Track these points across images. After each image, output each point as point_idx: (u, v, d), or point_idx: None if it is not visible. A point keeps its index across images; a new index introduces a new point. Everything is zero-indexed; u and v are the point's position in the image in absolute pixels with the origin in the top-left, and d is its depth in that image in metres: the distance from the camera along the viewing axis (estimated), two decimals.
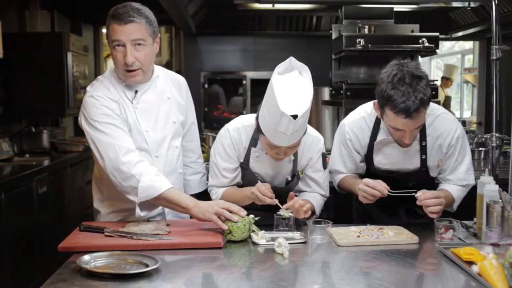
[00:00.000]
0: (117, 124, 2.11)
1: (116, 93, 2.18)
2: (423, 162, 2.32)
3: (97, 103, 2.12)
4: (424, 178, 2.37)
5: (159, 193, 2.05)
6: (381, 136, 2.32)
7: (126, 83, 2.20)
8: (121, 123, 2.12)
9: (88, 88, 2.21)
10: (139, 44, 2.10)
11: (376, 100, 2.20)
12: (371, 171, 2.42)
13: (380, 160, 2.36)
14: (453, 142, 2.31)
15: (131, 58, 2.09)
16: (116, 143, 2.07)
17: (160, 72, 2.34)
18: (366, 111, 2.39)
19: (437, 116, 2.31)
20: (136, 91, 2.22)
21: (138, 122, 2.19)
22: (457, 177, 2.37)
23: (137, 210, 2.09)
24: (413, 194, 2.17)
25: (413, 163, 2.34)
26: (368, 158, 2.39)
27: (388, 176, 2.34)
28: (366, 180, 2.21)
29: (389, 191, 2.16)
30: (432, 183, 2.44)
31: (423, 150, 2.31)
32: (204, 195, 2.59)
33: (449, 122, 2.33)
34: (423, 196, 2.14)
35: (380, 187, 2.16)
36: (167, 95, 2.31)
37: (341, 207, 2.78)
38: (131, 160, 2.06)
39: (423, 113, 2.09)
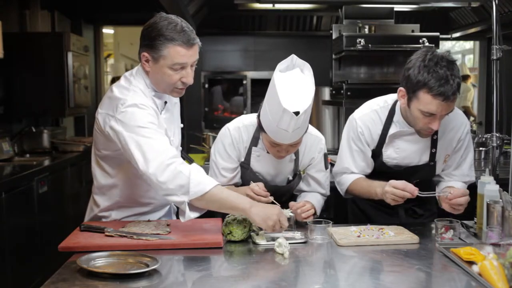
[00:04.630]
0: (161, 132, 2.04)
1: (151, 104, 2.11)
2: (432, 156, 2.32)
3: (144, 112, 2.01)
4: (429, 174, 2.37)
5: (210, 188, 1.93)
6: (393, 130, 2.30)
7: (156, 93, 2.13)
8: (163, 133, 2.06)
9: (121, 96, 2.04)
10: (194, 64, 2.08)
11: (401, 88, 2.18)
12: (376, 168, 2.40)
13: (390, 154, 2.34)
14: (463, 136, 2.33)
15: (192, 78, 2.08)
16: (163, 147, 1.98)
17: None
18: (378, 104, 2.37)
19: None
20: (166, 102, 2.18)
21: (166, 131, 2.14)
22: (461, 173, 2.38)
23: (187, 210, 1.96)
24: (441, 194, 2.17)
25: (423, 157, 2.33)
26: (376, 153, 2.36)
27: (394, 172, 2.33)
28: (394, 182, 2.15)
29: (418, 192, 2.12)
30: (431, 182, 2.44)
31: (433, 144, 2.31)
32: None
33: (459, 116, 2.34)
34: (453, 195, 2.12)
35: (410, 188, 2.11)
36: (175, 100, 2.29)
37: (341, 207, 2.78)
38: (177, 160, 1.97)
39: (456, 98, 2.09)
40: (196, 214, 2.00)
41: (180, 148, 2.37)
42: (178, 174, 1.93)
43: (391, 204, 2.17)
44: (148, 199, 2.23)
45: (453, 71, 2.05)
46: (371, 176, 2.42)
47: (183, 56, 2.02)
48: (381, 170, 2.37)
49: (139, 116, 2.00)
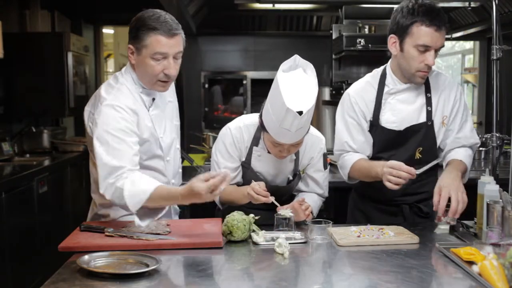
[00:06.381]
0: (128, 141, 2.03)
1: (135, 102, 2.12)
2: (429, 114, 2.34)
3: (118, 115, 2.03)
4: (429, 139, 2.36)
5: (149, 195, 1.94)
6: (387, 90, 2.35)
7: (144, 90, 2.15)
8: (132, 141, 2.05)
9: (104, 95, 2.08)
10: (178, 57, 2.09)
11: (391, 35, 2.26)
12: (377, 137, 2.37)
13: (388, 118, 2.34)
14: (458, 96, 2.38)
15: (174, 70, 2.08)
16: (117, 158, 1.99)
17: None
18: (369, 75, 2.44)
19: (437, 73, 2.40)
20: (154, 99, 2.19)
21: (154, 129, 2.16)
22: (465, 135, 2.39)
23: (136, 220, 1.98)
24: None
25: (420, 117, 2.34)
26: (374, 121, 2.36)
27: (396, 139, 2.33)
28: (391, 162, 2.15)
29: (416, 171, 2.12)
30: (434, 150, 2.41)
31: (428, 102, 2.34)
32: None
33: (449, 78, 2.42)
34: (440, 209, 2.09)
35: (406, 167, 2.10)
36: (168, 99, 2.31)
37: (341, 207, 2.77)
38: (120, 176, 1.98)
39: (446, 31, 2.20)
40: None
41: (178, 147, 2.36)
42: (119, 192, 1.96)
43: (388, 186, 2.13)
44: None
45: (439, 8, 2.19)
46: (375, 155, 2.39)
47: (164, 46, 2.03)
48: (384, 139, 2.35)
49: (110, 119, 2.02)
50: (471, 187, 2.28)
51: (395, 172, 2.11)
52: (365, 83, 2.41)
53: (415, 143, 2.35)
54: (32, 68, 4.85)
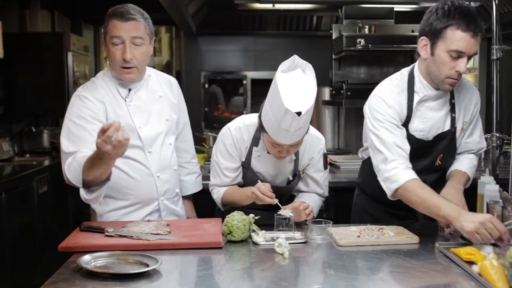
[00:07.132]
0: (89, 129, 2.12)
1: (107, 92, 2.23)
2: (453, 121, 2.27)
3: (81, 104, 2.18)
4: (451, 146, 2.30)
5: (83, 166, 1.98)
6: (417, 98, 2.22)
7: (120, 82, 2.25)
8: (93, 128, 2.10)
9: (79, 88, 2.27)
10: (137, 43, 2.16)
11: (422, 37, 2.13)
12: None
13: (417, 126, 2.24)
14: (478, 103, 2.32)
15: (130, 54, 2.15)
16: (74, 144, 2.11)
17: (152, 72, 2.39)
18: (395, 78, 2.28)
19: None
20: (130, 89, 2.27)
21: (131, 119, 2.23)
22: (474, 140, 2.35)
23: (81, 192, 2.07)
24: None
25: (446, 124, 2.27)
26: (403, 126, 2.23)
27: (421, 147, 2.24)
28: (492, 217, 1.85)
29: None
30: (454, 156, 2.36)
31: (452, 108, 2.27)
32: (204, 195, 2.59)
33: (471, 84, 2.35)
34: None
35: (507, 238, 1.83)
36: (159, 94, 2.35)
37: (341, 207, 2.77)
38: (69, 159, 2.09)
39: (480, 40, 2.06)
40: (92, 196, 2.08)
41: (171, 142, 2.36)
42: (64, 171, 2.11)
43: (473, 239, 1.88)
44: (126, 190, 2.25)
45: (476, 12, 2.05)
46: None
47: (118, 29, 2.14)
48: (410, 146, 2.21)
49: (74, 108, 2.18)
50: (471, 187, 2.29)
51: (494, 233, 1.82)
52: (394, 86, 2.24)
53: (438, 151, 2.28)
54: (32, 68, 4.85)
